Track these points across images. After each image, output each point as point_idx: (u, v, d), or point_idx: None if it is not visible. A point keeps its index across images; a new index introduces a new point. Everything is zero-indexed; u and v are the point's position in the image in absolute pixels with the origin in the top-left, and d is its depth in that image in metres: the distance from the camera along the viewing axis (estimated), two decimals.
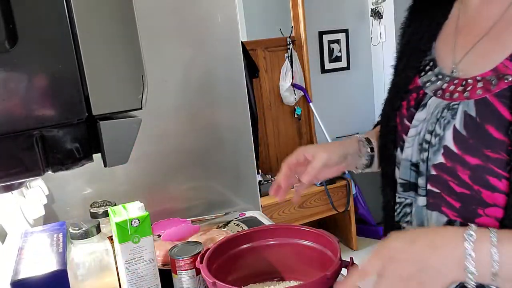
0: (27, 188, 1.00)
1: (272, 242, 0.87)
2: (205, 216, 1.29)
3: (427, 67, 0.70)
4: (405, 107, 0.70)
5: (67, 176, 1.16)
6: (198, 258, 0.79)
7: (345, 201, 3.02)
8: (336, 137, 3.12)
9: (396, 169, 0.73)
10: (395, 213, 0.74)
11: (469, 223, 0.54)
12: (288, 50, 3.06)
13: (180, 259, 0.82)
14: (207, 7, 1.26)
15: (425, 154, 0.64)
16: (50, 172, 0.39)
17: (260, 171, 2.99)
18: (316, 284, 0.68)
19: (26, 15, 0.35)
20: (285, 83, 3.05)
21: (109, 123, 0.40)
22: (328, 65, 3.29)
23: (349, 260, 0.74)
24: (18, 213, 0.94)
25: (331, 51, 3.27)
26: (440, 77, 0.66)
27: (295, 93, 3.07)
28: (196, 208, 1.33)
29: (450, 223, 0.63)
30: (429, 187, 0.64)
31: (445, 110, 0.62)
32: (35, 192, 1.00)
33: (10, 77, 0.35)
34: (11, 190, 0.45)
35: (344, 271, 0.74)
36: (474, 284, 0.51)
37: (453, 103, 0.61)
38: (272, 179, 2.92)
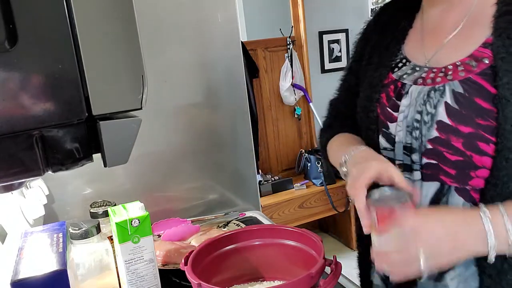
0: (27, 188, 1.00)
1: (256, 243, 0.87)
2: (205, 216, 1.29)
3: (400, 64, 0.80)
4: (385, 98, 0.79)
5: (67, 176, 1.16)
6: (183, 260, 0.79)
7: (345, 201, 3.02)
8: None
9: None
10: None
11: (479, 204, 0.66)
12: (288, 50, 3.06)
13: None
14: (207, 7, 1.26)
15: (417, 132, 0.73)
16: (50, 172, 0.39)
17: (260, 171, 2.99)
18: (301, 282, 0.68)
19: (26, 15, 0.35)
20: (285, 83, 3.05)
21: (109, 123, 0.40)
22: (328, 65, 3.29)
23: (332, 259, 0.75)
24: (18, 213, 0.94)
25: (331, 51, 3.27)
26: (417, 69, 0.77)
27: (295, 93, 3.07)
28: (196, 208, 1.33)
29: (443, 189, 0.72)
30: (425, 160, 0.73)
31: (432, 92, 0.72)
32: (35, 192, 1.00)
33: (10, 77, 0.35)
34: (11, 190, 0.45)
35: (327, 269, 0.74)
36: (494, 256, 0.62)
37: (438, 86, 0.72)
38: (272, 179, 2.92)
